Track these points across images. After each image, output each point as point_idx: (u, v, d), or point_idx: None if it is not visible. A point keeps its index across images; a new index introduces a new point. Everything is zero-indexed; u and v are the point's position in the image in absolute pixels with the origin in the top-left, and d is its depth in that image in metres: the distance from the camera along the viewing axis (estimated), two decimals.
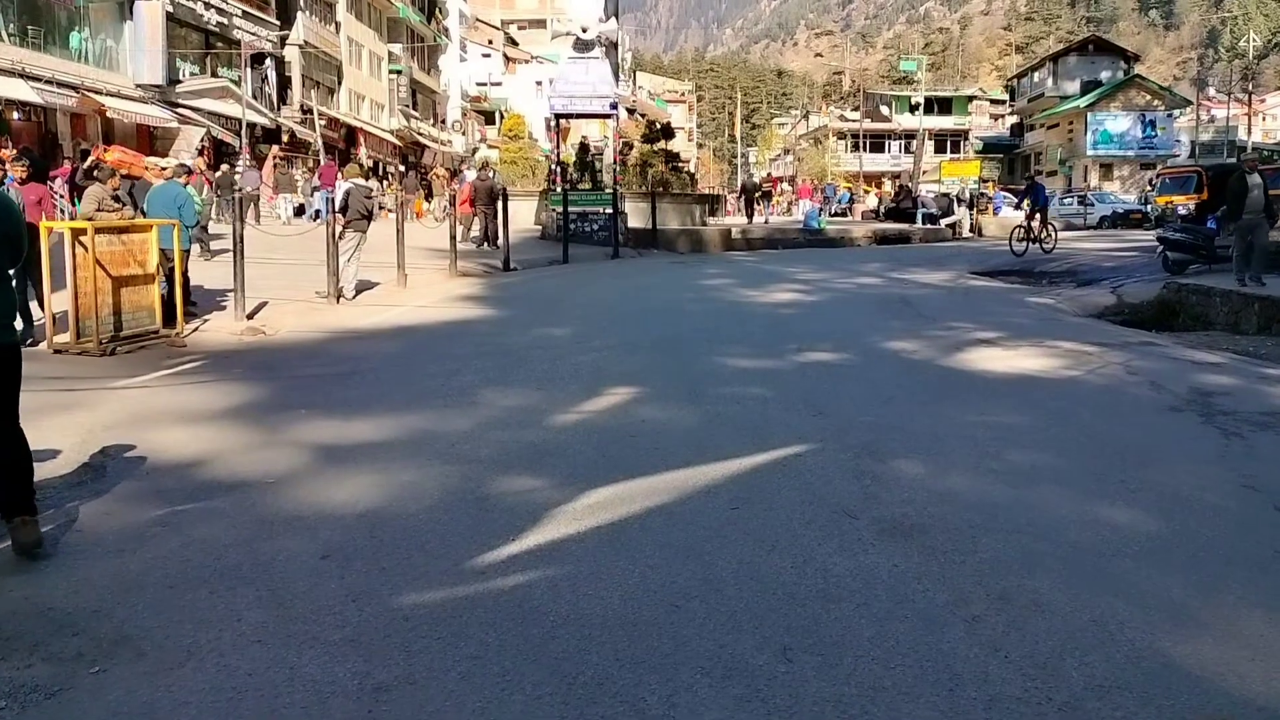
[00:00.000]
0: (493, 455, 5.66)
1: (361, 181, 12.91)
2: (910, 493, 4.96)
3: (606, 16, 22.21)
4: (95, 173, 10.21)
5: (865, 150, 64.38)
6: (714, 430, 6.31)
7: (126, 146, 30.79)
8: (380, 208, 36.18)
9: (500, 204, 18.42)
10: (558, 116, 22.57)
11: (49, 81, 26.31)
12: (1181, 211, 18.73)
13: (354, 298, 12.86)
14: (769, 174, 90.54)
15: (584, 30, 21.63)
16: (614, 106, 21.89)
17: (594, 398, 7.25)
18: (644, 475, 5.22)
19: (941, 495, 4.93)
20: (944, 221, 28.68)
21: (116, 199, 9.64)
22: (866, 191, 43.87)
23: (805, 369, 8.68)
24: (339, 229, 12.65)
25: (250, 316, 11.02)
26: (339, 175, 31.42)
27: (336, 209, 12.47)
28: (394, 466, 5.39)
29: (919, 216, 29.88)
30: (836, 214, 40.09)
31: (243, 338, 10.02)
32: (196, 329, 10.39)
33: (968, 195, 29.21)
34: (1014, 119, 73.19)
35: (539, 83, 64.66)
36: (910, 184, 36.39)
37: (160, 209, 10.64)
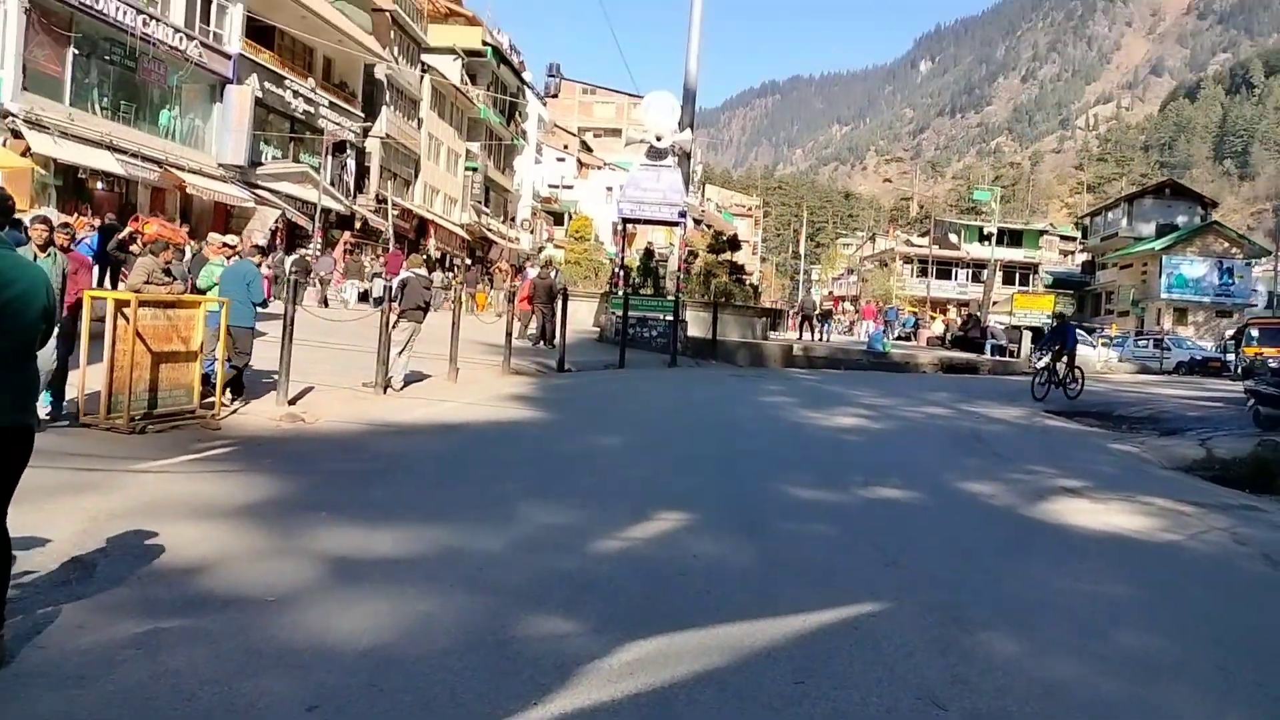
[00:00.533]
0: (523, 585, 5.02)
1: (422, 272, 12.65)
2: (1006, 679, 4.20)
3: (681, 128, 22.18)
4: (149, 246, 10.01)
5: (932, 276, 63.94)
6: (774, 574, 5.61)
7: (204, 222, 31.55)
8: (445, 298, 36.55)
9: (560, 303, 18.12)
10: (625, 221, 22.44)
11: (134, 154, 27.05)
12: (1273, 364, 17.73)
13: (401, 389, 12.45)
14: (830, 292, 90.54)
15: (658, 139, 21.62)
16: (682, 215, 21.72)
17: (642, 521, 6.61)
18: (694, 626, 4.54)
19: (1045, 687, 4.16)
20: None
21: (168, 272, 9.40)
22: (933, 317, 43.25)
23: (873, 506, 7.96)
24: (393, 318, 12.33)
25: (293, 402, 10.62)
26: (404, 264, 31.90)
27: (392, 297, 12.17)
28: (411, 591, 4.77)
29: (988, 347, 29.08)
30: (900, 338, 39.50)
31: (281, 424, 9.59)
32: (235, 411, 10.00)
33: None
34: (1085, 256, 72.46)
35: (609, 188, 65.72)
36: (979, 313, 35.71)
37: (231, 287, 10.52)
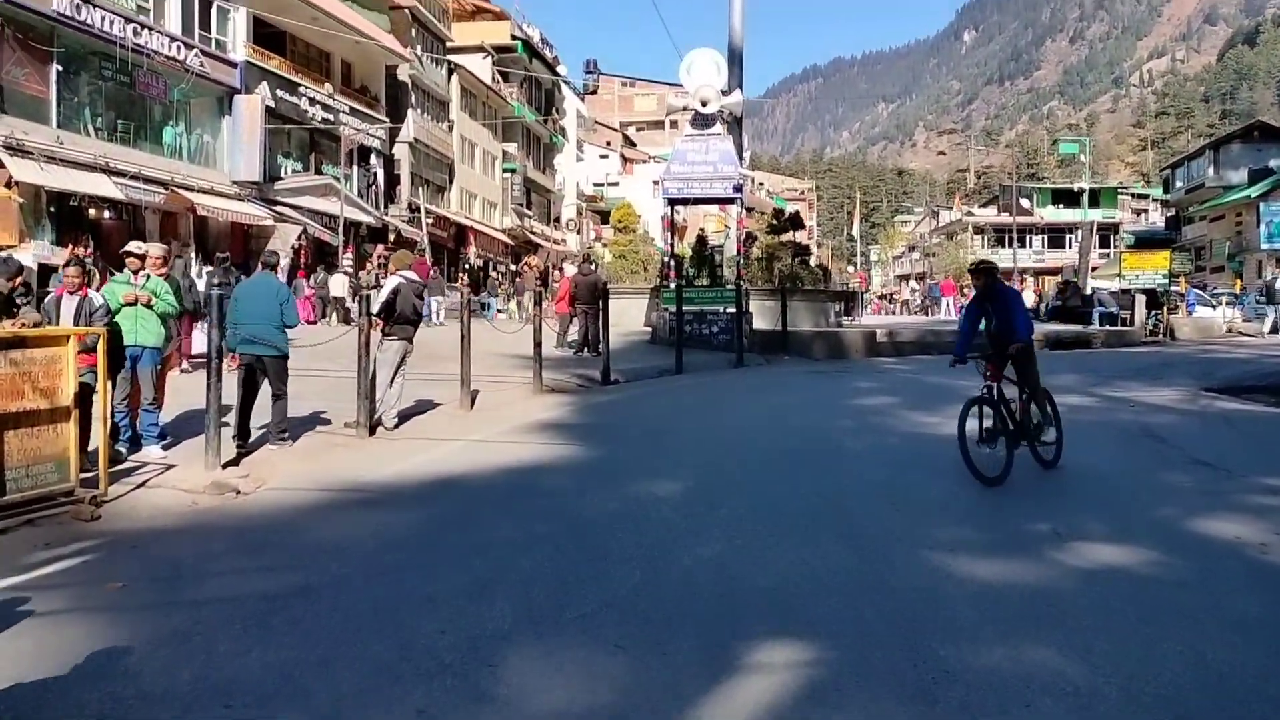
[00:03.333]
0: None
1: (413, 276, 9.77)
2: None
3: (729, 90, 19.10)
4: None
5: (1007, 245, 59.74)
6: None
7: (221, 246, 29.26)
8: (484, 307, 33.68)
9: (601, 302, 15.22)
10: (672, 202, 19.43)
11: (134, 177, 24.76)
12: None
13: (395, 428, 9.61)
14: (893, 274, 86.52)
15: (704, 104, 18.58)
16: (738, 189, 18.64)
17: (722, 675, 3.64)
18: None
19: None
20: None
21: (10, 303, 6.64)
22: (1020, 286, 39.36)
23: (1093, 582, 4.94)
24: (376, 335, 9.50)
25: (236, 461, 7.84)
26: (430, 274, 29.26)
27: (376, 310, 9.32)
28: None
29: (1095, 316, 25.47)
30: None
31: (198, 501, 6.78)
32: (145, 483, 7.21)
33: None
34: (1168, 212, 67.51)
35: (656, 181, 62.73)
36: (1076, 279, 32.00)
37: (255, 307, 8.27)
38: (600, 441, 9.40)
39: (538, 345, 12.74)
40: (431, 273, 28.79)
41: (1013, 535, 6.00)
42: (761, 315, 20.16)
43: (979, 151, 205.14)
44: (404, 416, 10.23)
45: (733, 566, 5.24)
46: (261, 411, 8.69)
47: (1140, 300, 25.20)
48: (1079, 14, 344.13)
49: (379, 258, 34.53)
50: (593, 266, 18.41)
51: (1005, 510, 6.65)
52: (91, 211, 25.45)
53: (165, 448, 8.07)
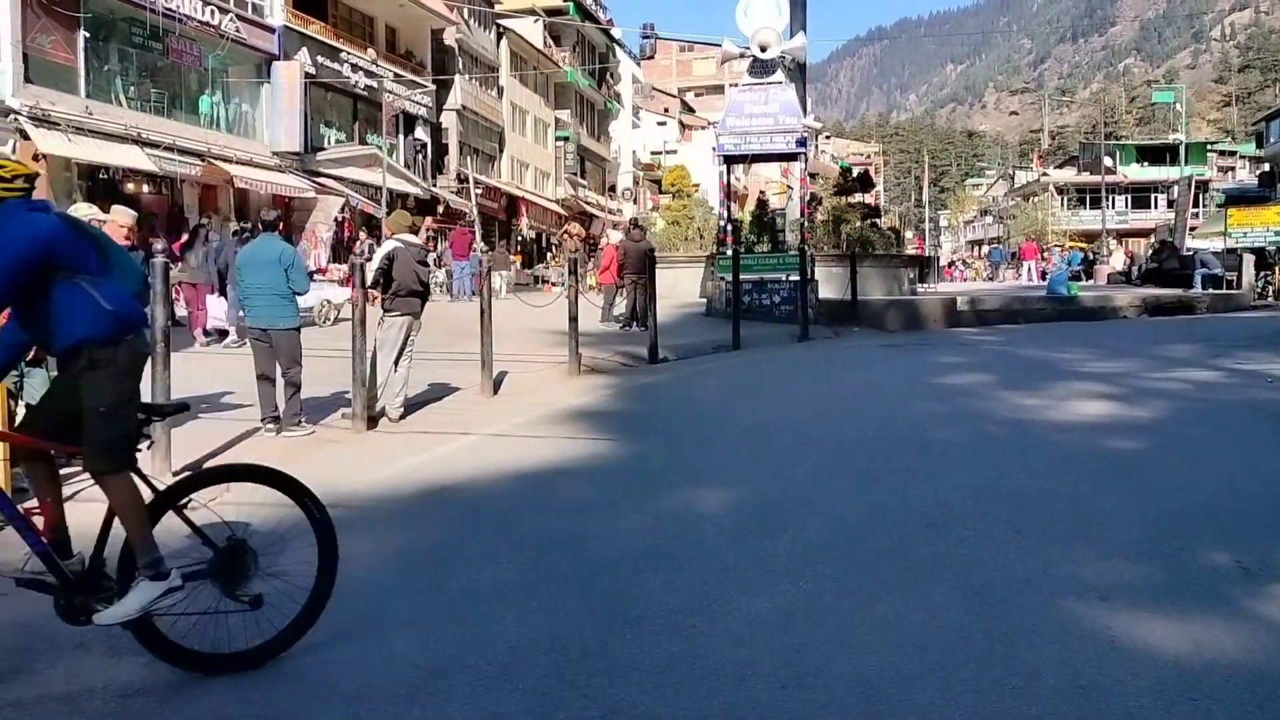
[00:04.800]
0: None
1: (412, 239, 8.30)
2: None
3: (792, 32, 17.26)
4: None
5: (1087, 207, 56.63)
6: None
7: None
8: (541, 281, 32.25)
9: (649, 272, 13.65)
10: (728, 160, 17.71)
11: (168, 148, 23.76)
12: None
13: (400, 419, 8.19)
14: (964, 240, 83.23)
15: (763, 49, 16.78)
16: (802, 143, 16.84)
17: None
18: None
19: None
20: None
21: None
22: (1108, 251, 36.76)
23: None
24: (378, 312, 8.08)
25: (198, 465, 6.48)
26: (472, 245, 27.91)
27: (368, 280, 7.89)
28: None
29: (1197, 279, 23.15)
30: (1070, 278, 33.27)
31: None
32: (74, 496, 5.87)
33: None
34: (1258, 168, 63.35)
35: (714, 147, 60.71)
36: (1172, 238, 29.50)
37: (258, 274, 7.41)
38: (638, 434, 7.86)
39: (573, 320, 11.22)
40: (473, 244, 27.46)
41: (1183, 571, 4.34)
42: (828, 283, 18.41)
43: (1055, 110, 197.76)
44: (413, 405, 8.83)
45: (799, 631, 3.69)
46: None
47: (1248, 261, 22.84)
48: None
49: (428, 230, 33.39)
50: (643, 232, 16.78)
51: (1161, 528, 4.97)
52: (129, 186, 24.62)
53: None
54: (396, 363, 8.18)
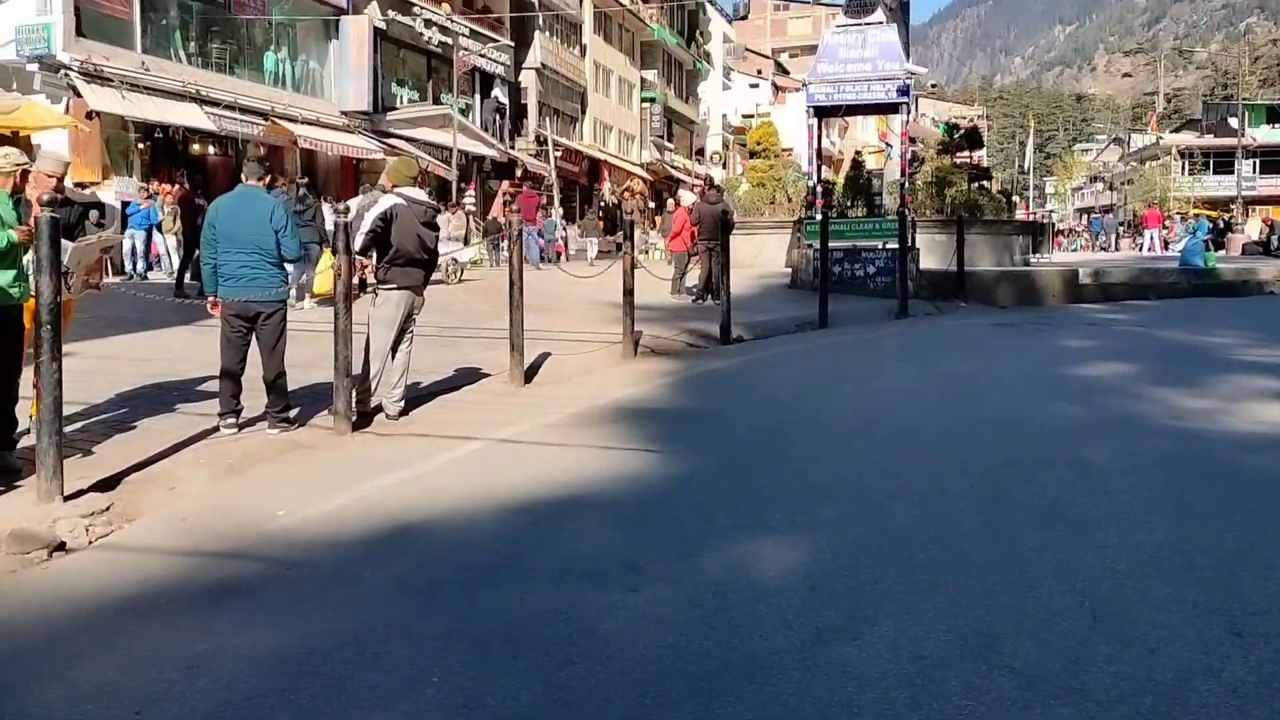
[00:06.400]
0: None
1: (417, 195, 6.64)
2: None
3: None
4: None
5: (1211, 171, 52.39)
6: None
7: (331, 180, 27.29)
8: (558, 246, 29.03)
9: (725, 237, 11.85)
10: (819, 112, 15.71)
11: (229, 106, 22.72)
12: None
13: (399, 415, 6.63)
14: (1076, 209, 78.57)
15: None
16: (904, 92, 14.74)
17: None
18: None
19: None
20: None
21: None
22: (1240, 221, 33.40)
23: None
24: (369, 283, 6.52)
25: (114, 482, 5.02)
26: (540, 208, 26.30)
27: (358, 246, 6.31)
28: None
29: None
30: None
31: None
32: None
33: None
34: None
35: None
36: None
37: (251, 231, 6.01)
38: (688, 444, 6.15)
39: (628, 293, 9.50)
40: (541, 204, 25.88)
41: None
42: (931, 252, 16.30)
43: (1170, 72, 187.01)
44: (424, 395, 7.28)
45: None
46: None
47: None
48: None
49: (504, 194, 31.96)
50: (719, 193, 14.88)
51: None
52: (195, 147, 23.77)
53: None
54: (395, 348, 6.60)
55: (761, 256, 18.65)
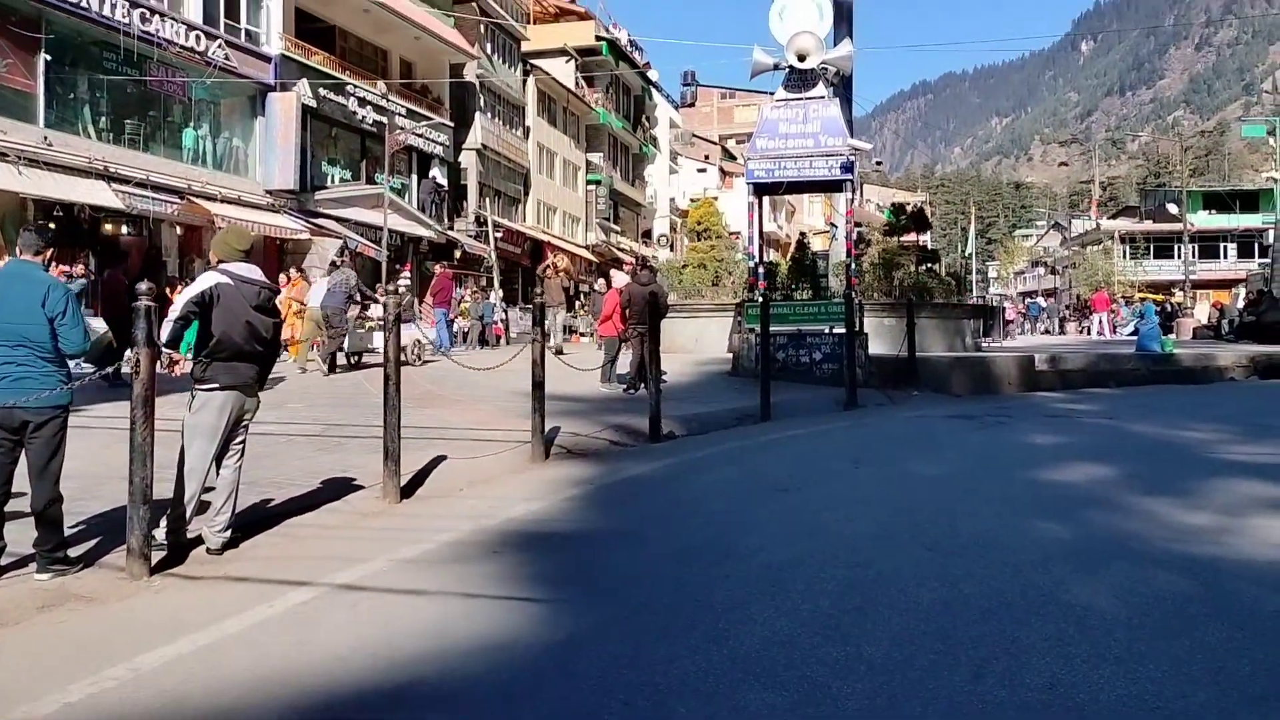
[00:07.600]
0: None
1: (249, 272, 5.28)
2: None
3: (836, 41, 14.43)
4: None
5: (1153, 256, 52.95)
6: None
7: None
8: (570, 331, 28.67)
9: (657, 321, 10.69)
10: (760, 190, 14.79)
11: (140, 184, 21.38)
12: None
13: (221, 549, 5.24)
14: (1013, 292, 79.35)
15: (800, 57, 13.91)
16: (848, 169, 13.87)
17: None
18: None
19: None
20: None
21: None
22: (1189, 305, 33.25)
23: None
24: (188, 377, 5.19)
25: None
26: (454, 290, 25.16)
27: (163, 337, 5.00)
28: None
29: None
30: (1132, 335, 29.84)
31: None
32: None
33: None
34: None
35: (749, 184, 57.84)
36: (1269, 288, 26.04)
37: (20, 318, 4.73)
38: (584, 586, 4.82)
39: (538, 385, 8.24)
40: (456, 291, 24.77)
41: None
42: (880, 337, 15.34)
43: (1104, 160, 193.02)
44: (266, 516, 5.89)
45: None
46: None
47: None
48: (1205, 19, 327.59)
49: (439, 273, 30.70)
50: (652, 273, 13.77)
51: None
52: (108, 227, 22.29)
53: None
54: (218, 464, 5.24)
55: (702, 341, 17.58)
